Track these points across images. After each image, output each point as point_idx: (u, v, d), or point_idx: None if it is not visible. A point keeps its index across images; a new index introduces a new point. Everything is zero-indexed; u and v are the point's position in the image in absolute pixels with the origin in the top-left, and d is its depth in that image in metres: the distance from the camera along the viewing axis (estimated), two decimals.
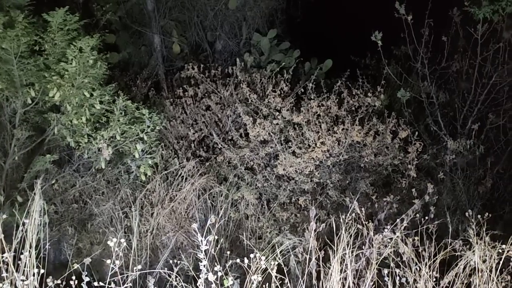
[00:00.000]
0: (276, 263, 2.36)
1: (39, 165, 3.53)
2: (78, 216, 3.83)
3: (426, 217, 2.93)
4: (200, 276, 2.19)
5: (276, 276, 2.40)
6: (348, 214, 2.66)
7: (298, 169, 3.85)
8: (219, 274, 2.16)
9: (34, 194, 2.48)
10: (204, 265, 2.26)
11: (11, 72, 3.47)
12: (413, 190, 3.20)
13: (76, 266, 2.26)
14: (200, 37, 5.87)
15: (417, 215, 2.98)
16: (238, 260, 2.31)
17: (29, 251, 2.13)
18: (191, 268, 2.52)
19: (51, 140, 3.81)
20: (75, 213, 3.85)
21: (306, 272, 2.64)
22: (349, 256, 2.36)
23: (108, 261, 2.05)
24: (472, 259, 2.37)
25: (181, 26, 5.85)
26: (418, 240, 2.74)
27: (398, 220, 2.82)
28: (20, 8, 3.59)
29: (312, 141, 3.84)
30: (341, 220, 2.69)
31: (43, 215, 2.88)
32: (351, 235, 2.46)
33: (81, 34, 3.74)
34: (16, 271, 2.05)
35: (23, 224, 2.18)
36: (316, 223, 2.97)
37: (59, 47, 3.61)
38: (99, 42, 3.71)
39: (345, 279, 2.39)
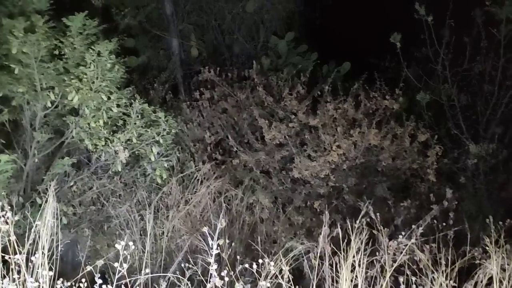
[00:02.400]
0: (288, 268, 2.32)
1: (58, 167, 3.58)
2: (95, 218, 3.87)
3: (445, 223, 2.84)
4: (210, 281, 2.18)
5: (288, 282, 2.37)
6: (360, 218, 2.60)
7: (314, 172, 3.80)
8: (228, 279, 2.14)
9: (48, 196, 2.52)
10: (215, 269, 2.25)
11: (31, 76, 3.54)
12: (431, 195, 3.11)
13: (89, 268, 2.27)
14: (217, 40, 5.91)
15: (436, 221, 2.90)
16: (247, 266, 2.29)
17: (42, 252, 2.16)
18: (199, 273, 2.51)
19: (70, 143, 3.86)
20: (92, 215, 3.89)
21: (318, 278, 2.59)
22: (359, 263, 2.30)
23: (116, 264, 2.06)
24: (491, 268, 2.29)
25: (199, 30, 5.90)
26: (435, 247, 2.65)
27: (414, 226, 2.75)
28: (41, 13, 3.66)
29: (328, 144, 3.80)
30: (353, 225, 2.64)
31: (59, 217, 2.92)
32: (362, 241, 2.40)
33: (100, 39, 3.80)
34: (28, 273, 2.08)
35: (36, 226, 2.21)
36: (331, 228, 2.92)
37: (78, 51, 3.66)
38: (117, 46, 3.76)
39: (357, 286, 2.34)
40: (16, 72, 3.46)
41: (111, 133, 3.81)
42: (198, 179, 4.04)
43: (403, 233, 2.74)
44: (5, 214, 2.06)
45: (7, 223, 2.05)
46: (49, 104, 3.66)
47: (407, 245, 2.54)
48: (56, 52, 3.63)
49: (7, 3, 3.63)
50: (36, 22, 3.47)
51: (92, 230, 3.83)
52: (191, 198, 3.92)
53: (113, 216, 3.88)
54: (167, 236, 3.76)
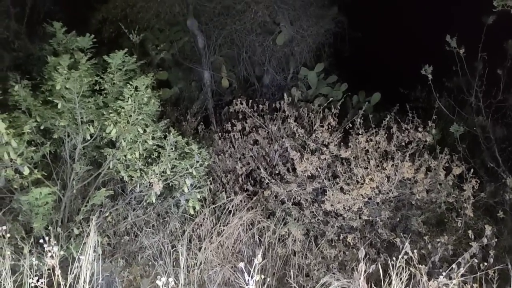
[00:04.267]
0: None
1: (96, 199, 3.67)
2: (129, 248, 3.93)
3: (486, 263, 2.76)
4: None
5: None
6: (400, 258, 2.55)
7: (346, 205, 3.77)
8: None
9: (90, 230, 2.58)
10: None
11: (73, 110, 3.68)
12: (470, 231, 3.03)
13: None
14: (248, 71, 6.03)
15: (475, 259, 2.81)
16: None
17: (83, 286, 2.21)
18: None
19: (106, 174, 3.97)
20: (126, 245, 3.95)
21: None
22: None
23: None
24: None
25: (230, 62, 6.04)
26: (477, 287, 2.57)
27: (454, 264, 2.67)
28: (83, 50, 3.84)
29: (360, 177, 3.77)
30: (392, 262, 2.59)
31: (97, 247, 2.98)
32: (402, 281, 2.36)
33: (137, 74, 3.95)
34: None
35: (79, 260, 2.27)
36: (365, 263, 2.87)
37: (117, 86, 3.80)
38: (152, 81, 3.89)
39: None
40: (59, 106, 3.61)
41: (146, 164, 3.90)
42: (230, 210, 4.07)
43: (441, 270, 2.67)
44: (52, 249, 2.13)
45: (52, 257, 2.11)
46: (88, 137, 3.78)
47: (447, 285, 2.47)
48: (97, 87, 3.78)
49: (53, 41, 3.83)
50: (79, 59, 3.63)
51: (125, 260, 3.88)
52: (223, 229, 3.94)
53: (146, 246, 3.93)
54: (199, 267, 3.78)
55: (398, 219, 3.79)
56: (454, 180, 3.73)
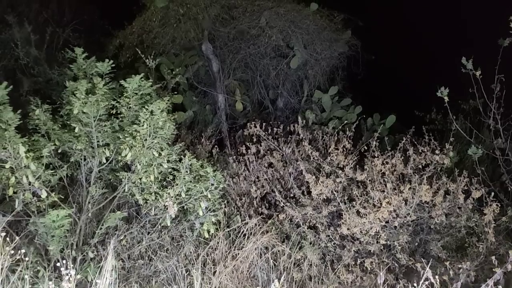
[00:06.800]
0: None
1: (110, 221, 3.67)
2: (143, 272, 3.90)
3: None
4: None
5: None
6: (420, 282, 2.48)
7: (363, 229, 3.71)
8: None
9: (107, 254, 2.57)
10: None
11: (89, 134, 3.74)
12: (493, 257, 2.94)
13: None
14: (262, 95, 6.07)
15: (499, 286, 2.72)
16: None
17: None
18: None
19: (121, 197, 3.98)
20: (140, 268, 3.92)
21: None
22: None
23: None
24: None
25: (244, 85, 6.10)
26: None
27: None
28: (101, 75, 3.92)
29: (377, 200, 3.72)
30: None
31: (112, 271, 2.96)
32: None
33: (153, 97, 3.99)
34: None
35: (95, 283, 2.26)
36: None
37: (133, 110, 3.85)
38: (168, 105, 3.93)
39: None
40: (76, 130, 3.67)
41: (161, 188, 3.91)
42: (245, 234, 4.03)
43: None
44: (69, 272, 2.12)
45: (70, 281, 2.10)
46: (104, 160, 3.81)
47: None
48: (113, 111, 3.82)
49: (73, 66, 3.91)
50: (97, 84, 3.70)
51: (139, 284, 3.85)
52: (238, 253, 3.90)
53: (160, 270, 3.90)
54: None
55: (416, 244, 3.71)
56: (474, 203, 3.66)
